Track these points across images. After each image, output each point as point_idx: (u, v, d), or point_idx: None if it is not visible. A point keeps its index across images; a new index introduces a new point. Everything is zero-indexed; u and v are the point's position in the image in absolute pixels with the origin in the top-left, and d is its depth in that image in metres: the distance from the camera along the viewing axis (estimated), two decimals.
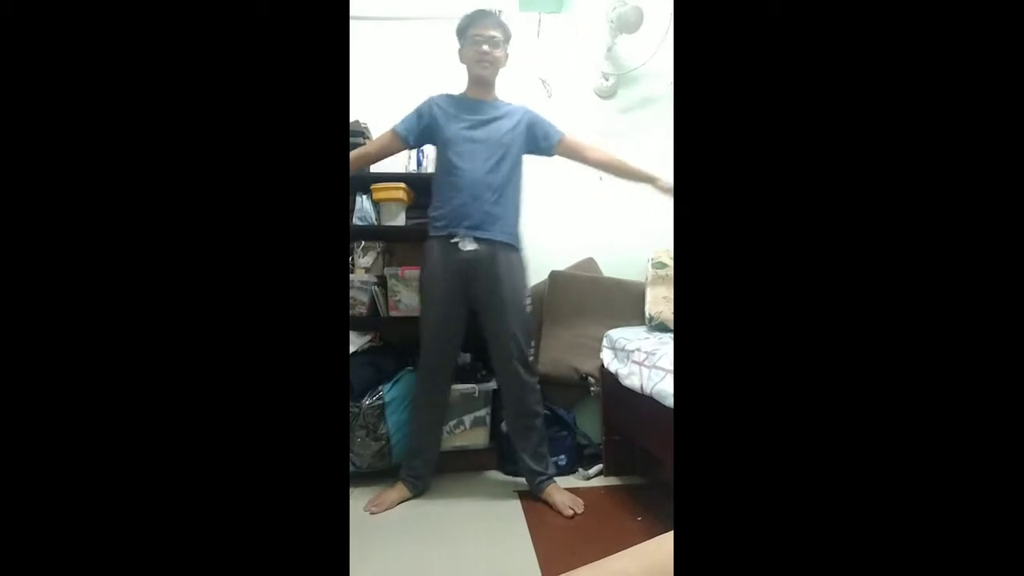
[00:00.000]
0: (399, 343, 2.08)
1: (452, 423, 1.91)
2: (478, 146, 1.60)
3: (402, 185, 1.96)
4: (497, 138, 1.62)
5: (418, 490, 1.69)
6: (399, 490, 1.66)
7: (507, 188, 1.63)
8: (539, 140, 1.70)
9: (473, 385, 1.89)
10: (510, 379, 1.65)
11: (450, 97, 1.69)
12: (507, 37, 1.64)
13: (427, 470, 1.71)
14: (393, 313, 1.96)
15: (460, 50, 1.68)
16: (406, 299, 1.95)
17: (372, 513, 1.57)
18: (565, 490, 1.67)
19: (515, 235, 1.65)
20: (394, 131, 1.67)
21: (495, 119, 1.64)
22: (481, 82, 1.66)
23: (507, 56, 1.67)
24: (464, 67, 1.68)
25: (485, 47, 1.60)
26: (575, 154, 1.75)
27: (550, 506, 1.62)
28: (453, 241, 1.57)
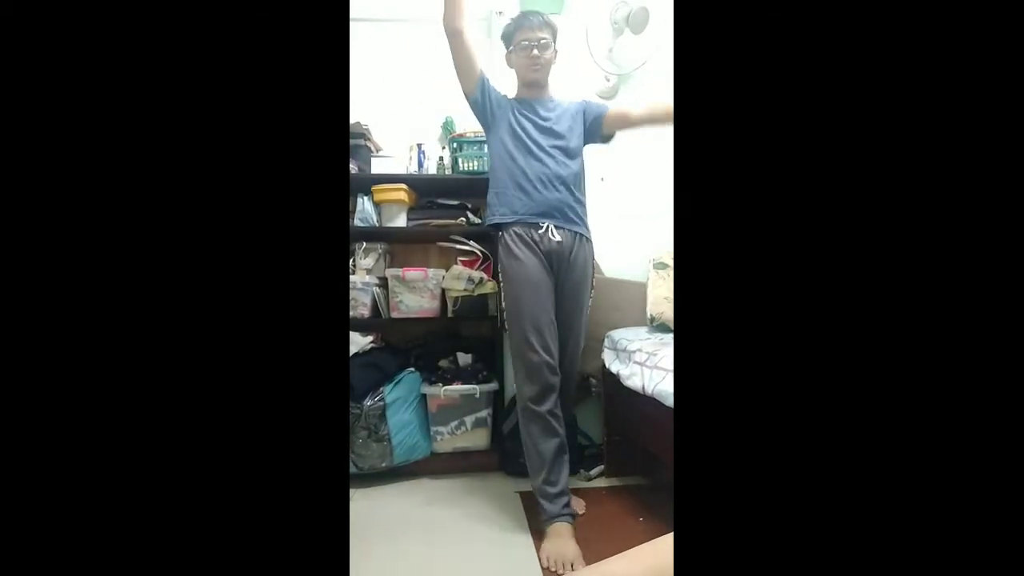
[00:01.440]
0: (400, 344, 2.09)
1: (453, 424, 1.91)
2: (547, 139, 1.54)
3: (403, 186, 1.97)
4: (563, 131, 1.56)
5: (574, 518, 1.46)
6: (560, 533, 1.38)
7: (579, 180, 1.59)
8: (590, 124, 1.62)
9: (474, 386, 1.89)
10: (564, 381, 1.58)
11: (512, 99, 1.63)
12: (555, 35, 1.56)
13: (565, 486, 1.46)
14: (395, 314, 1.96)
15: (507, 55, 1.60)
16: (407, 301, 1.96)
17: None
18: None
19: (588, 227, 1.61)
20: (481, 70, 1.57)
21: (557, 114, 1.59)
22: (535, 84, 1.59)
23: (556, 53, 1.59)
24: (513, 72, 1.61)
25: (535, 51, 1.52)
26: (623, 122, 1.63)
27: None
28: (540, 231, 1.49)
